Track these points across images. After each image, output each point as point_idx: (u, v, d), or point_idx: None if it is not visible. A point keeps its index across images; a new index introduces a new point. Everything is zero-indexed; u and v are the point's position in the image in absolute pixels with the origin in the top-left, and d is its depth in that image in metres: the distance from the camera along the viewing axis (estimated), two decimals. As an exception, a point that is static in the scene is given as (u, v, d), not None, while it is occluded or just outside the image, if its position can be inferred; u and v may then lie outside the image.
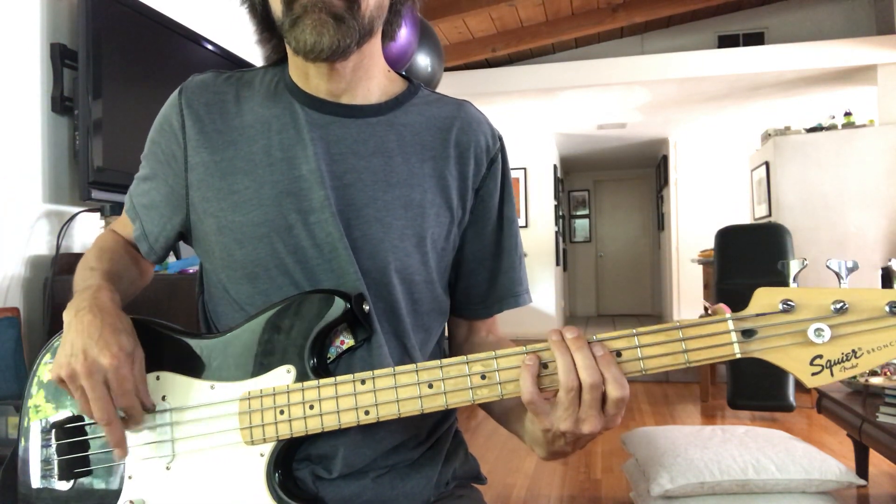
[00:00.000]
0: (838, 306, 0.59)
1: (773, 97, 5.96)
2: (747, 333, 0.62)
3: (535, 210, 7.41)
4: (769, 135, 5.45)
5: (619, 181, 9.93)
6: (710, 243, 4.68)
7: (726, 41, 5.82)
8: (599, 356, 0.63)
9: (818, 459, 2.03)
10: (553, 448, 0.69)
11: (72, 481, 0.78)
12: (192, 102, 0.83)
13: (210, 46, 2.19)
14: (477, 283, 0.90)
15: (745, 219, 6.55)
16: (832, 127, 5.21)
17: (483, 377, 0.67)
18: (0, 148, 1.62)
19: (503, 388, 0.66)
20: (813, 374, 0.60)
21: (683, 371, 5.23)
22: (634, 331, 0.64)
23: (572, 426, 0.64)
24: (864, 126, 5.17)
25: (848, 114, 5.30)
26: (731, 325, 0.62)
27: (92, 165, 1.68)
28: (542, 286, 7.31)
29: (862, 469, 2.70)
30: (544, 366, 0.66)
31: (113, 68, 1.75)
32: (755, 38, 5.80)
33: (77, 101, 1.71)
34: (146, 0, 1.92)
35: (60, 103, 1.75)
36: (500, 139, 0.91)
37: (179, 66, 2.00)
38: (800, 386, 4.04)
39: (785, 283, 0.64)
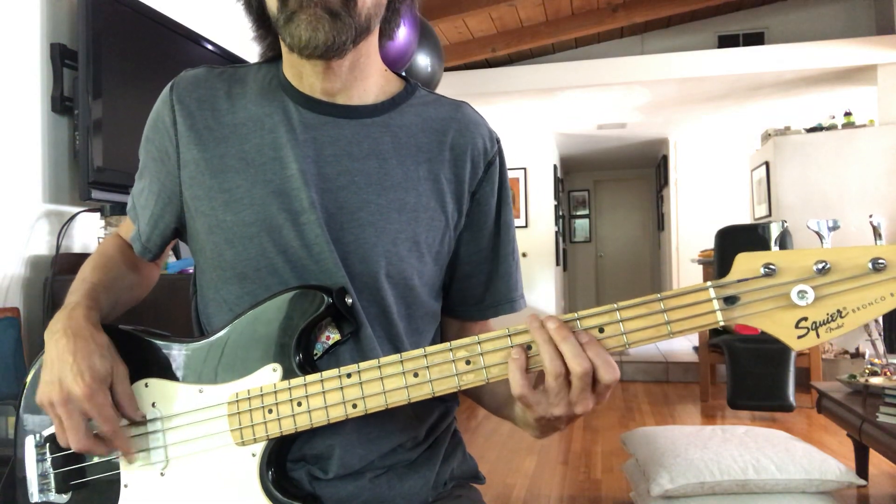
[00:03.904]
0: (820, 266, 0.58)
1: (773, 97, 5.96)
2: (729, 300, 0.61)
3: (535, 210, 7.40)
4: (769, 135, 5.44)
5: (619, 181, 9.93)
6: (710, 243, 4.68)
7: (726, 41, 5.82)
8: (585, 342, 0.63)
9: (818, 459, 2.03)
10: (546, 430, 0.70)
11: (69, 493, 0.78)
12: (184, 98, 0.82)
13: (209, 46, 2.19)
14: (472, 286, 0.89)
15: (745, 219, 6.55)
16: (832, 127, 5.21)
17: (468, 362, 0.67)
18: (0, 148, 1.62)
19: (488, 371, 0.66)
20: (799, 337, 0.59)
21: (683, 371, 5.23)
22: (616, 305, 0.63)
23: (565, 410, 0.64)
24: (864, 126, 5.17)
25: (848, 114, 5.30)
26: (712, 292, 0.61)
27: (92, 165, 1.68)
28: (542, 286, 7.31)
29: (862, 469, 2.70)
30: (528, 347, 0.65)
31: (113, 68, 1.75)
32: (755, 38, 5.80)
33: (77, 101, 1.71)
34: (146, 0, 1.92)
35: (60, 103, 1.75)
36: (498, 142, 0.90)
37: (179, 66, 1.99)
38: (800, 386, 4.04)
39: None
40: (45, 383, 0.72)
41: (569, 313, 0.65)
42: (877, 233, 0.61)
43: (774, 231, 0.66)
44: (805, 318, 0.59)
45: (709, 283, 0.61)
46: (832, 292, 0.58)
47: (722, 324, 0.61)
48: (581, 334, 0.63)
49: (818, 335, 0.59)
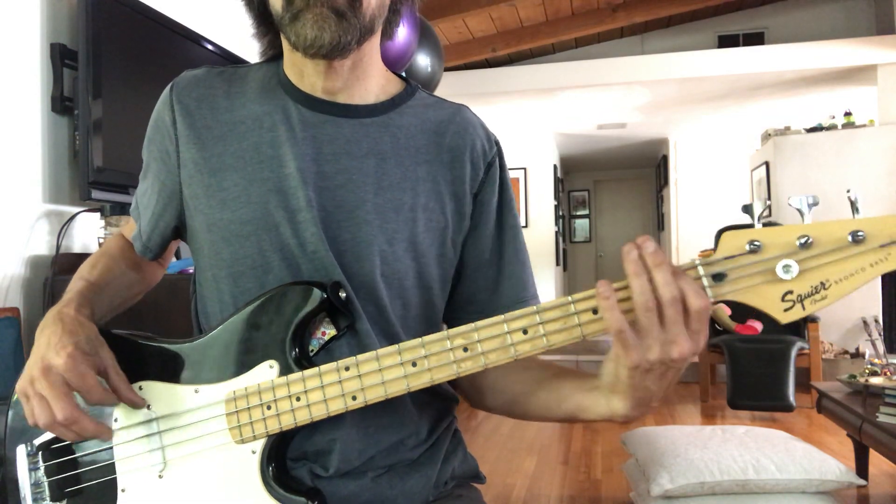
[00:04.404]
0: (803, 241, 0.60)
1: (773, 97, 5.96)
2: (717, 277, 0.62)
3: (535, 210, 7.41)
4: (769, 135, 5.45)
5: (619, 181, 9.94)
6: (710, 243, 4.69)
7: (726, 41, 5.83)
8: (673, 272, 0.60)
9: (818, 459, 2.03)
10: (639, 393, 0.65)
11: (64, 501, 0.77)
12: (183, 98, 0.82)
13: (210, 46, 2.19)
14: (476, 290, 0.88)
15: (745, 219, 6.54)
16: (832, 127, 5.22)
17: (465, 349, 0.67)
18: (0, 148, 1.62)
19: (486, 357, 0.66)
20: (785, 310, 0.61)
21: (683, 371, 5.23)
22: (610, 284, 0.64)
23: (661, 351, 0.60)
24: (864, 126, 5.18)
25: (848, 114, 5.30)
26: (700, 270, 0.62)
27: (92, 165, 1.68)
28: (542, 286, 7.31)
29: (862, 469, 2.70)
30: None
31: (113, 68, 1.75)
32: (755, 38, 5.81)
33: (77, 101, 1.71)
34: (146, 0, 1.92)
35: (60, 103, 1.75)
36: (497, 143, 0.90)
37: (179, 66, 1.99)
38: (800, 386, 4.04)
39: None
40: (26, 367, 0.71)
41: (561, 297, 0.65)
42: (854, 206, 0.63)
43: (757, 209, 0.68)
44: (790, 292, 0.61)
45: (697, 261, 0.63)
46: (815, 265, 0.60)
47: (711, 300, 0.62)
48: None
49: (804, 307, 0.61)
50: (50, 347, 0.70)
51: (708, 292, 0.62)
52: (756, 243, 0.61)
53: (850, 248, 0.59)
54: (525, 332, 0.65)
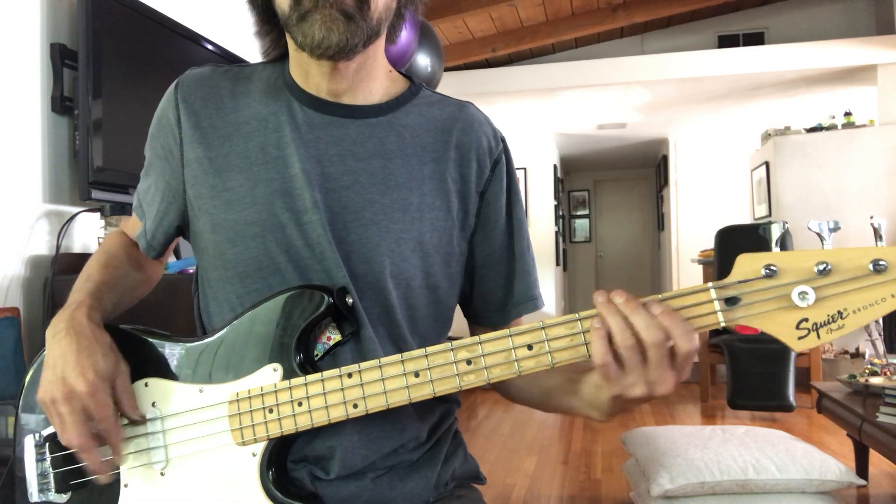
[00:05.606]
0: (821, 268, 0.58)
1: (773, 97, 5.96)
2: (730, 301, 0.61)
3: (535, 210, 7.40)
4: (769, 135, 5.45)
5: (619, 181, 9.93)
6: (710, 243, 4.68)
7: (726, 41, 5.82)
8: (659, 313, 0.60)
9: (818, 459, 2.03)
10: (616, 411, 0.67)
11: (68, 493, 0.78)
12: (188, 97, 0.82)
13: (209, 46, 2.19)
14: (491, 288, 0.89)
15: (745, 219, 6.55)
16: (832, 127, 5.22)
17: (469, 363, 0.66)
18: (0, 148, 1.62)
19: (489, 372, 0.66)
20: (799, 338, 0.59)
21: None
22: None
23: (647, 390, 0.61)
24: (864, 126, 5.17)
25: (848, 114, 5.30)
26: (713, 293, 0.61)
27: (92, 165, 1.68)
28: (542, 286, 7.24)
29: (862, 469, 2.70)
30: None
31: (113, 68, 1.75)
32: (755, 38, 5.80)
33: (77, 101, 1.71)
34: (146, 0, 1.92)
35: (60, 103, 1.75)
36: (503, 140, 0.90)
37: (179, 65, 1.99)
38: (800, 386, 4.04)
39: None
40: (47, 381, 0.72)
41: (569, 314, 0.64)
42: (877, 234, 0.61)
43: (775, 232, 0.66)
44: (806, 319, 0.59)
45: (710, 284, 0.62)
46: (833, 293, 0.58)
47: (723, 324, 0.61)
48: (654, 305, 0.61)
49: (819, 336, 0.59)
50: (69, 367, 0.71)
51: (720, 316, 0.61)
52: (772, 268, 0.60)
53: (870, 278, 0.57)
54: (530, 347, 0.65)
